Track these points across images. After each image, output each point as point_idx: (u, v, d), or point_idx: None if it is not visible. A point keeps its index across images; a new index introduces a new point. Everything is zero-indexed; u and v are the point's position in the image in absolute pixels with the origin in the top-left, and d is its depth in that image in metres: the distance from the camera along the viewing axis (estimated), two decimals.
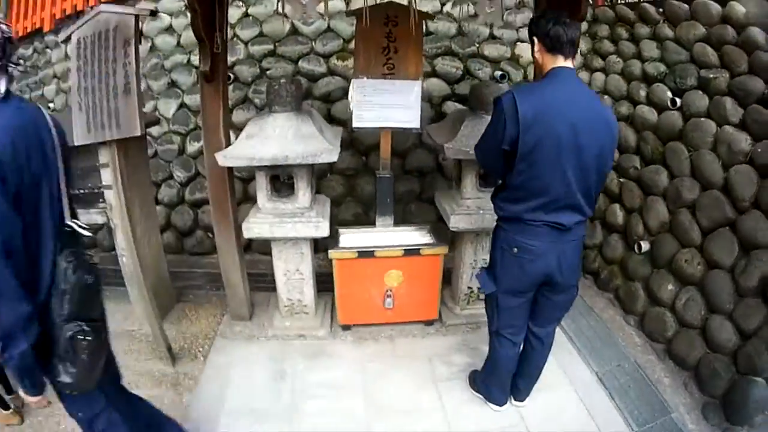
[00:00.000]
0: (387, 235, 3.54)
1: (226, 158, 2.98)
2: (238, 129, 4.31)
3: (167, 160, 4.65)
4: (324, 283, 3.74)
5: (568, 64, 2.19)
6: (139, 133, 2.85)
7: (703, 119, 3.57)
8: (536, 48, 2.25)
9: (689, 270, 3.39)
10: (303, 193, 3.16)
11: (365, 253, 3.30)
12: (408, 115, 3.46)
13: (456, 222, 3.27)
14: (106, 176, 3.22)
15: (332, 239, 3.36)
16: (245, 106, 4.56)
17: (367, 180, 4.46)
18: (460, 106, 4.45)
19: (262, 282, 4.09)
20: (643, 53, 4.22)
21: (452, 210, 3.31)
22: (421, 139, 4.45)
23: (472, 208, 3.31)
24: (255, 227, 3.15)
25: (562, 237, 2.31)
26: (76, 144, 2.85)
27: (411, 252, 3.33)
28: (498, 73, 4.57)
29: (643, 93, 4.15)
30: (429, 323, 3.65)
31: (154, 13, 3.17)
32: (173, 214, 4.61)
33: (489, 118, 3.26)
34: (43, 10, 5.75)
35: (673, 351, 3.33)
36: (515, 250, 2.37)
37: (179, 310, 3.88)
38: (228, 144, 3.20)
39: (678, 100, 3.79)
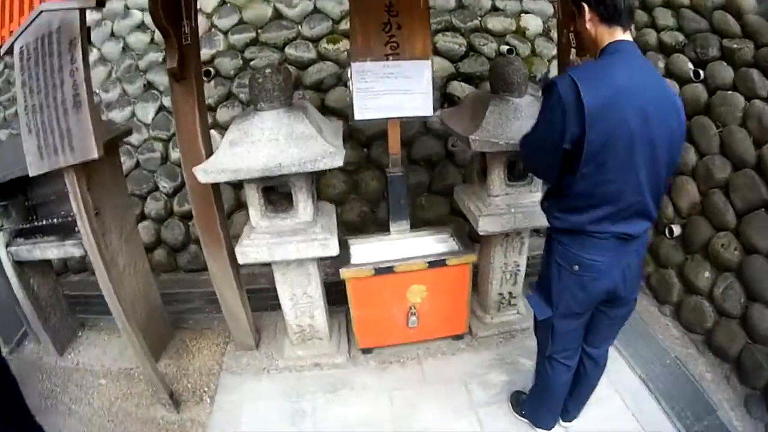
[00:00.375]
0: (405, 244, 2.79)
1: (206, 173, 2.20)
2: (224, 129, 3.53)
3: (150, 170, 3.82)
4: (334, 294, 3.01)
5: (627, 37, 1.62)
6: (96, 156, 2.10)
7: (729, 92, 3.05)
8: (587, 17, 1.64)
9: (726, 255, 2.85)
10: (303, 206, 2.39)
11: (383, 270, 2.55)
12: (419, 101, 2.67)
13: (485, 225, 2.51)
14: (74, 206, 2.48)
15: (342, 253, 2.57)
16: (230, 102, 3.72)
17: (371, 174, 3.68)
18: (466, 86, 3.64)
19: (266, 299, 3.34)
20: (658, 21, 3.55)
21: (479, 211, 2.55)
22: (426, 125, 3.65)
23: (501, 207, 2.56)
24: (250, 251, 2.39)
25: (627, 248, 1.77)
26: (30, 175, 2.17)
27: (436, 264, 2.58)
28: (504, 47, 3.74)
29: (661, 64, 3.49)
30: (458, 337, 2.93)
31: (101, 3, 2.33)
32: (163, 229, 3.81)
33: (515, 101, 2.48)
34: (11, 23, 4.86)
35: (714, 343, 2.82)
36: (576, 267, 1.80)
37: (178, 342, 3.13)
38: (209, 153, 2.41)
39: (701, 72, 3.20)
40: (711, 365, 2.76)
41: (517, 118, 2.42)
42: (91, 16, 4.19)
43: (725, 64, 3.11)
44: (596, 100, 1.50)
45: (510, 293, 2.91)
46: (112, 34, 4.11)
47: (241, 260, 2.42)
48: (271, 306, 3.26)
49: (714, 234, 2.96)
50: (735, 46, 3.05)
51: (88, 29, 2.37)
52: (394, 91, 2.63)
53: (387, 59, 2.60)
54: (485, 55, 3.70)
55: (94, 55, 4.11)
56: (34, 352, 3.17)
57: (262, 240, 2.40)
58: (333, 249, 2.39)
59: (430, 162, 3.67)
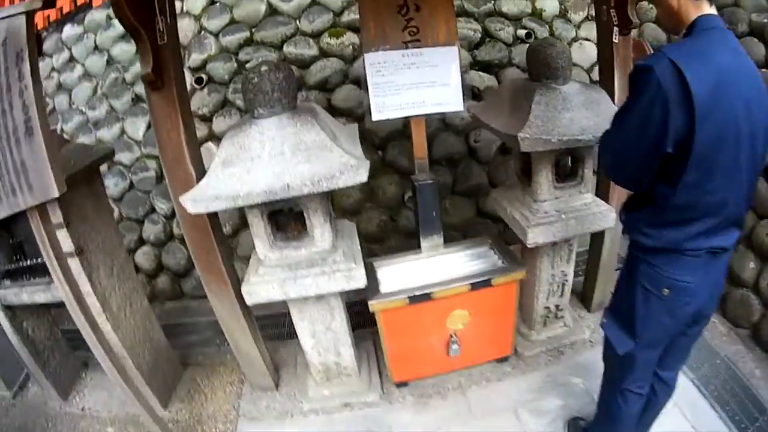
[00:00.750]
0: (439, 263, 2.16)
1: (196, 202, 1.57)
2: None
3: (145, 190, 3.16)
4: (358, 316, 2.41)
5: (714, 11, 1.23)
6: (56, 195, 1.60)
7: (763, 70, 2.59)
8: None
9: None
10: (320, 231, 1.77)
11: (419, 297, 1.94)
12: (446, 94, 2.04)
13: (535, 236, 1.90)
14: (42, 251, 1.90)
15: (368, 279, 1.90)
16: (226, 111, 3.04)
17: (389, 179, 3.00)
18: (485, 75, 2.99)
19: (280, 325, 2.75)
20: None
21: (527, 220, 1.94)
22: (445, 120, 2.99)
23: (551, 213, 1.95)
24: (260, 290, 1.78)
25: (718, 262, 1.36)
26: None
27: (480, 285, 1.97)
28: (522, 31, 3.09)
29: None
30: (503, 359, 2.32)
31: (49, 4, 1.69)
32: (164, 254, 3.15)
33: (562, 89, 1.81)
34: None
35: (761, 338, 2.36)
36: (666, 291, 1.37)
37: (188, 381, 2.52)
38: (201, 174, 1.78)
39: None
40: (759, 361, 2.29)
41: (566, 109, 1.81)
42: (73, 30, 3.56)
43: (756, 40, 2.65)
44: (704, 87, 1.10)
45: (557, 306, 2.31)
46: (96, 48, 3.43)
47: (249, 301, 1.81)
48: (288, 333, 2.66)
49: (757, 222, 2.49)
50: (766, 20, 2.59)
51: (38, 37, 1.75)
52: (417, 83, 1.99)
53: (406, 47, 1.96)
54: (502, 40, 3.05)
55: (77, 71, 3.47)
56: (38, 396, 2.59)
57: (273, 275, 1.78)
58: (359, 280, 1.77)
59: (451, 161, 3.01)
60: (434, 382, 2.28)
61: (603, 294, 2.49)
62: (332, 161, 1.58)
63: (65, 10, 3.62)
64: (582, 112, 1.84)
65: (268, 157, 1.61)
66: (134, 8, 1.58)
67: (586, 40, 3.14)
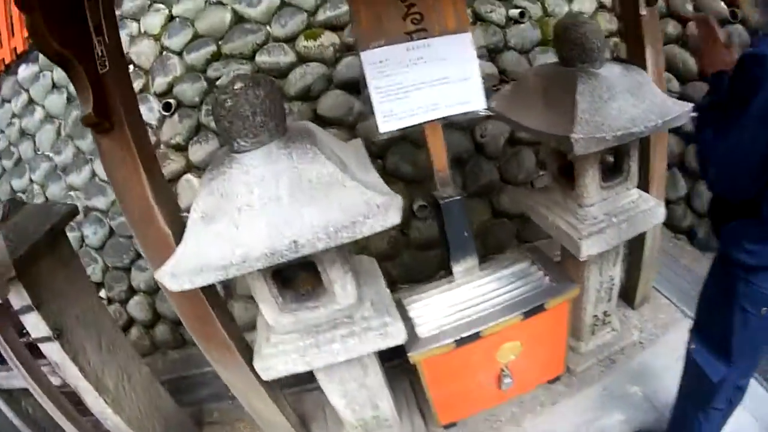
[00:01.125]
0: (478, 290, 1.66)
1: (176, 277, 1.06)
2: (202, 171, 2.35)
3: (127, 235, 2.55)
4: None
5: None
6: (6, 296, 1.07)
7: None
8: None
9: None
10: (341, 285, 1.26)
11: (467, 339, 1.47)
12: (464, 91, 1.53)
13: (589, 248, 1.45)
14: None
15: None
16: (201, 136, 2.44)
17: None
18: (483, 63, 2.42)
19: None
20: None
21: (576, 231, 1.48)
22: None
23: (600, 218, 1.50)
24: (277, 363, 1.30)
25: None
26: None
27: (532, 312, 1.52)
28: (514, 11, 2.56)
29: (689, 7, 2.54)
30: (554, 380, 1.88)
31: None
32: (158, 302, 2.58)
33: (603, 74, 1.26)
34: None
35: None
36: (764, 310, 1.09)
37: None
38: (178, 232, 1.26)
39: (737, 12, 2.38)
40: None
41: (613, 98, 1.35)
42: (28, 70, 2.92)
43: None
44: None
45: (605, 312, 1.87)
46: (54, 86, 2.79)
47: (265, 377, 1.32)
48: (309, 378, 2.17)
49: None
50: None
51: None
52: (428, 82, 1.48)
53: (410, 38, 1.44)
54: (495, 23, 2.51)
55: (38, 113, 2.84)
56: None
57: (290, 343, 1.30)
58: (397, 336, 1.30)
59: (459, 161, 2.47)
60: (485, 417, 1.82)
61: (646, 288, 2.08)
62: (350, 201, 1.08)
63: (19, 49, 2.98)
64: (628, 99, 1.38)
65: (260, 205, 1.10)
66: (58, 30, 1.05)
67: (580, 13, 2.66)
